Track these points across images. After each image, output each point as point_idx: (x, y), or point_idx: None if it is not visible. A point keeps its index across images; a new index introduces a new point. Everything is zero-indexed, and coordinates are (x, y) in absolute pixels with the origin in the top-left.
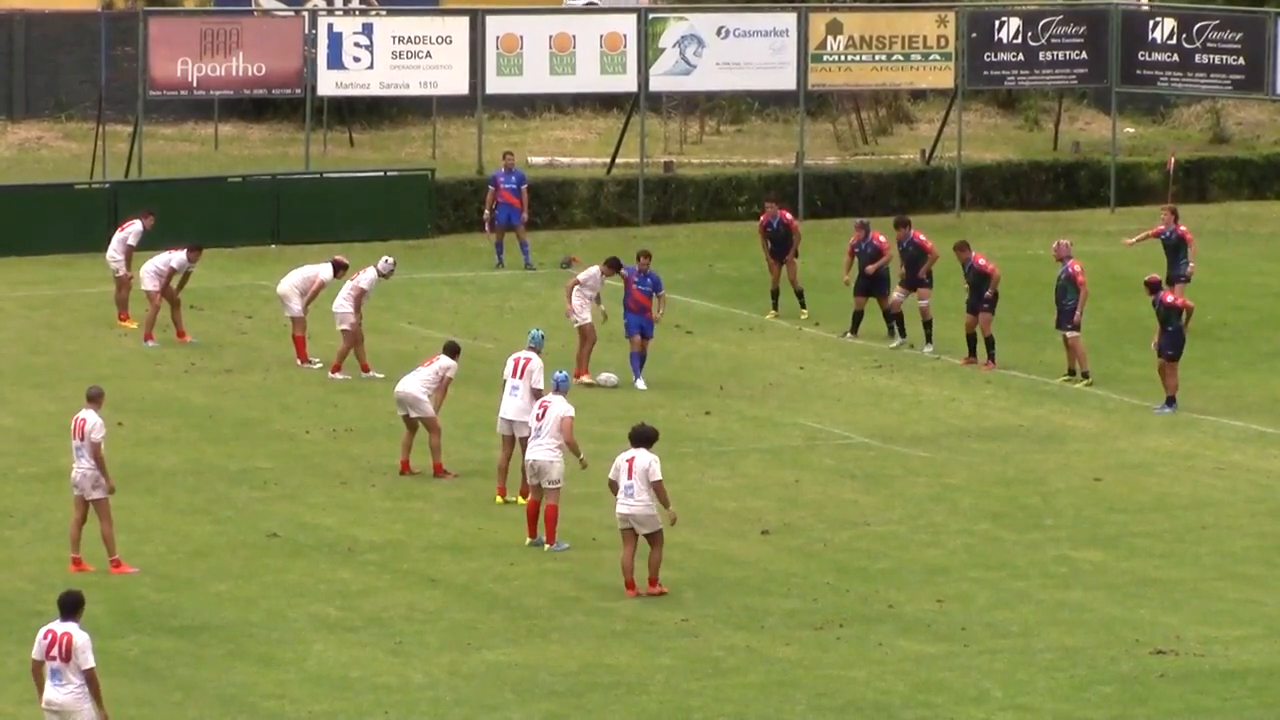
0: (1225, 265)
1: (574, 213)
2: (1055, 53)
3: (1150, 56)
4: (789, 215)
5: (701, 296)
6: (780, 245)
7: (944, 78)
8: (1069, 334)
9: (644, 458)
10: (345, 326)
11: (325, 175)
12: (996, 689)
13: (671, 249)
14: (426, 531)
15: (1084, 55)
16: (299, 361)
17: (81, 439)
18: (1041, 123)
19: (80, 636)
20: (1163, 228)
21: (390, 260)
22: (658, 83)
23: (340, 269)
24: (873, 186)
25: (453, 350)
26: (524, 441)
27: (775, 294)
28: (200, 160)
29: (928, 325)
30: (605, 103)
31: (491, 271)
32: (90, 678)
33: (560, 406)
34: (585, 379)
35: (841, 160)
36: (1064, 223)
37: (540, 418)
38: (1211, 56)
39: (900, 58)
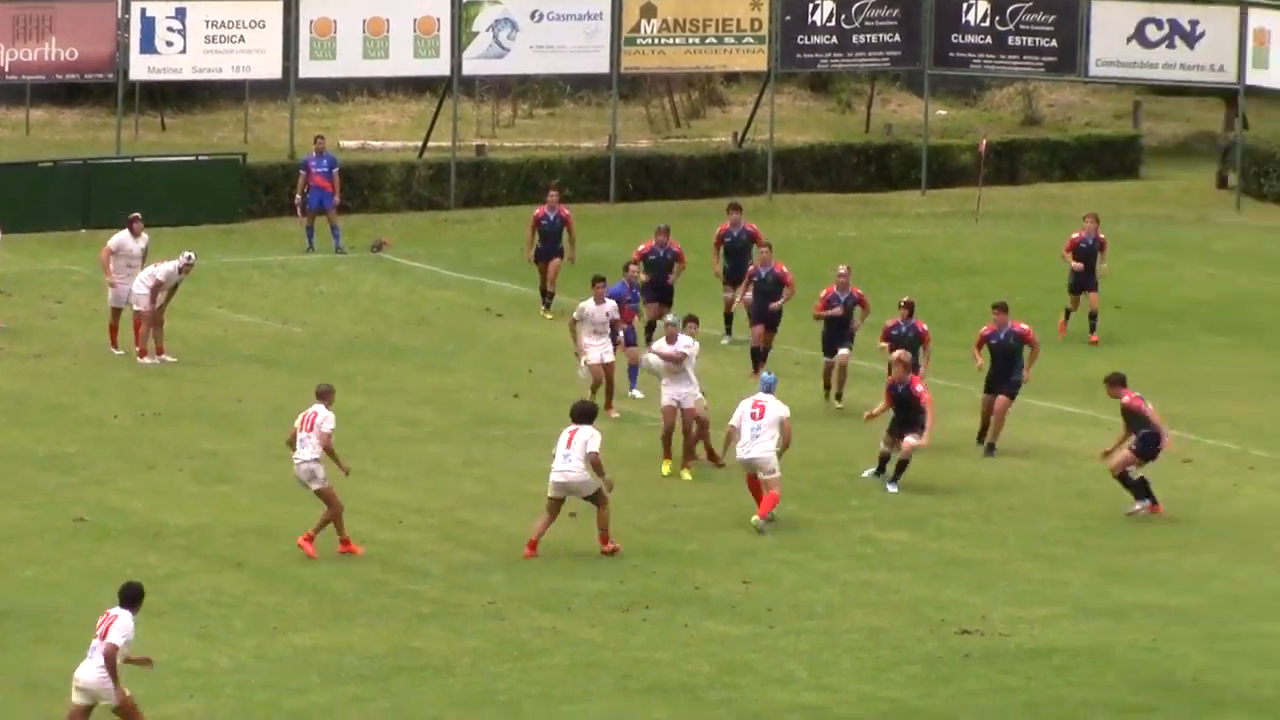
0: (1036, 247)
1: (385, 196)
2: (868, 35)
3: (963, 39)
4: (566, 210)
5: (512, 280)
6: (551, 244)
7: (757, 60)
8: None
9: (585, 432)
10: (140, 308)
11: (137, 159)
12: (802, 670)
13: (482, 232)
14: (233, 516)
15: (897, 38)
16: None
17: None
18: (854, 105)
19: (123, 620)
20: (1083, 234)
21: (190, 256)
22: (471, 66)
23: (134, 224)
24: (685, 169)
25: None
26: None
27: (544, 291)
28: (11, 145)
29: (729, 319)
30: (418, 86)
31: (302, 255)
32: (108, 655)
33: (776, 407)
34: (613, 414)
35: (654, 143)
36: (875, 205)
37: (757, 417)
38: (1024, 39)
39: (714, 40)
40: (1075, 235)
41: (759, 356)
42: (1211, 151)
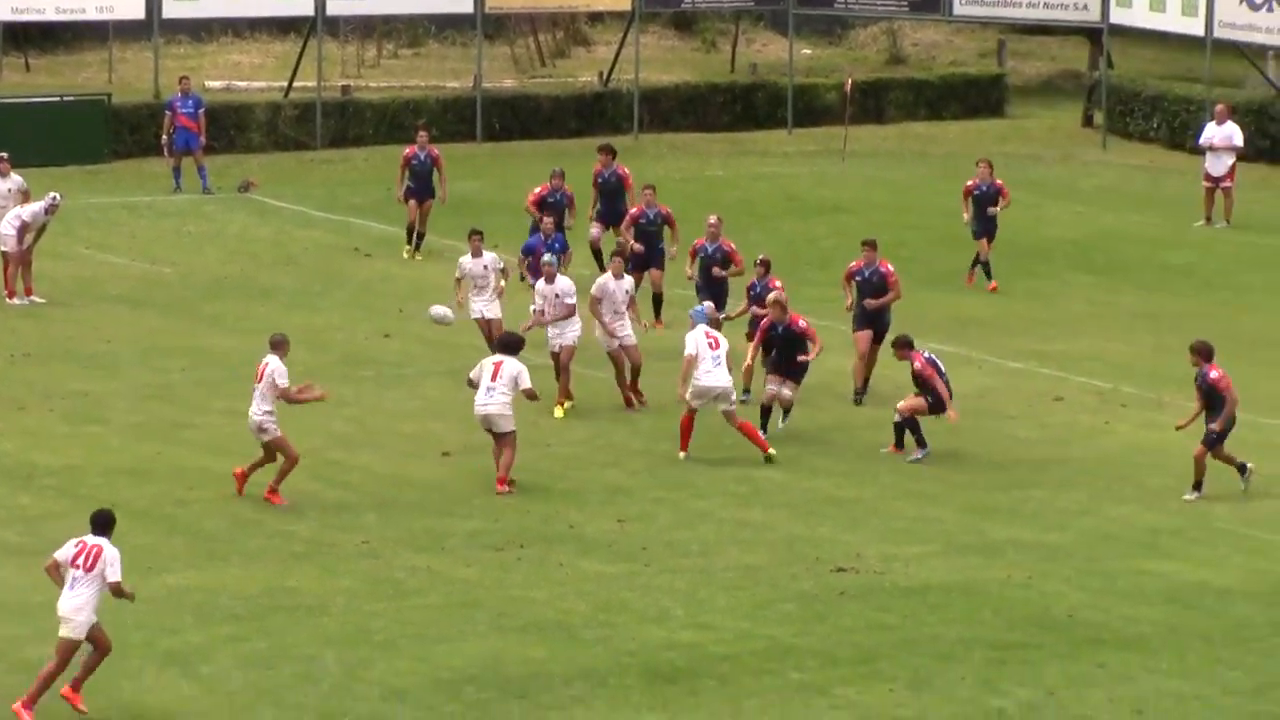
0: (902, 186)
1: (252, 137)
2: None
3: None
4: (437, 151)
5: (380, 219)
6: (423, 184)
7: (621, 0)
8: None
9: (512, 364)
10: (7, 249)
11: (1, 100)
12: (678, 607)
13: (349, 172)
14: (105, 456)
15: None
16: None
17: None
18: (719, 45)
19: (110, 550)
20: (977, 181)
21: (56, 196)
22: (335, 6)
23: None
24: (550, 109)
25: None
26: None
27: (410, 230)
28: None
29: (597, 255)
30: (283, 26)
31: (169, 196)
32: (116, 590)
33: (724, 339)
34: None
35: (519, 83)
36: (742, 144)
37: (714, 347)
38: None
39: None
40: (970, 183)
41: (659, 303)
42: (1076, 90)
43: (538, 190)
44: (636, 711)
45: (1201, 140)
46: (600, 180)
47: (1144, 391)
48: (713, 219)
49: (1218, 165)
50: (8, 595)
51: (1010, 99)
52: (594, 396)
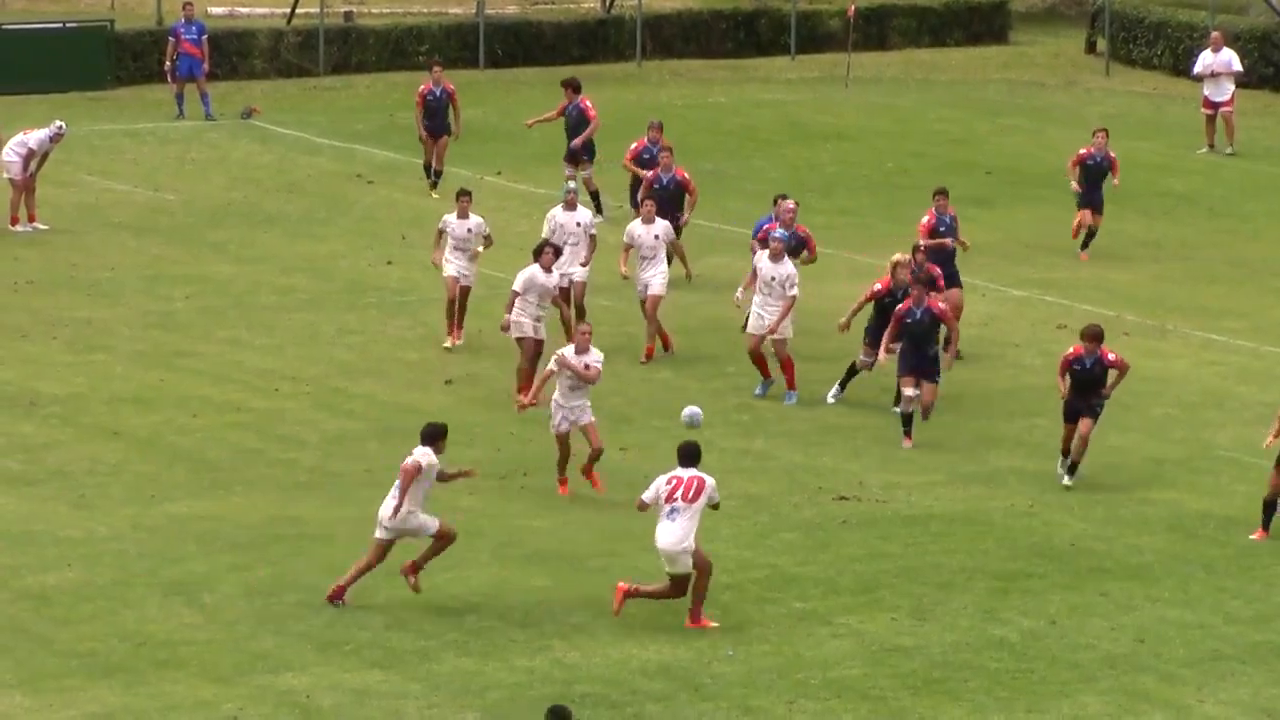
0: (905, 113)
1: (254, 63)
2: None
3: None
4: (451, 86)
5: (383, 146)
6: (438, 120)
7: None
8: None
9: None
10: (12, 176)
11: (3, 28)
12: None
13: (352, 99)
14: (109, 384)
15: None
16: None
17: None
18: None
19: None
20: (1092, 150)
21: (60, 124)
22: None
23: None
24: (553, 36)
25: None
26: None
27: (429, 168)
28: None
29: (595, 195)
30: None
31: (172, 122)
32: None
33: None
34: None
35: (522, 9)
36: (745, 71)
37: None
38: None
39: None
40: (1083, 151)
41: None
42: (1080, 17)
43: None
44: (639, 640)
45: (1197, 69)
46: (564, 115)
47: (1146, 319)
48: (790, 204)
49: (1218, 91)
50: (9, 524)
51: (1014, 25)
52: (597, 325)
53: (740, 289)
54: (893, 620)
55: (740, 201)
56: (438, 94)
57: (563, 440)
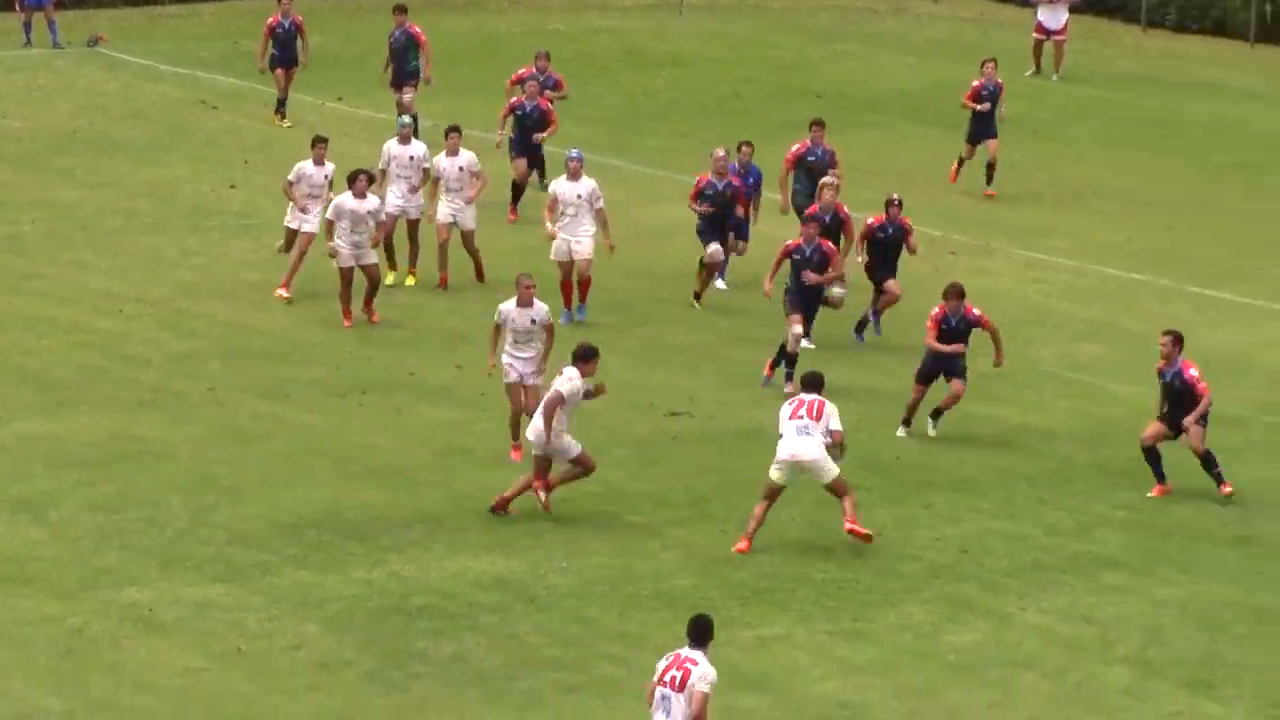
0: (739, 40)
1: None
2: None
3: None
4: (299, 17)
5: (228, 73)
6: (287, 52)
7: None
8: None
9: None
10: None
11: None
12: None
13: (197, 27)
14: None
15: None
16: None
17: None
18: None
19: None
20: (984, 81)
21: None
22: None
23: None
24: None
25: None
26: None
27: (282, 102)
28: None
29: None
30: None
31: (20, 50)
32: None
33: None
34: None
35: None
36: None
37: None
38: None
39: None
40: (975, 83)
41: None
42: None
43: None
44: (474, 553)
45: None
46: (391, 40)
47: (973, 239)
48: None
49: (1054, 19)
50: None
51: None
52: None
53: (549, 223)
54: (722, 533)
55: (578, 128)
56: (286, 25)
57: (515, 392)
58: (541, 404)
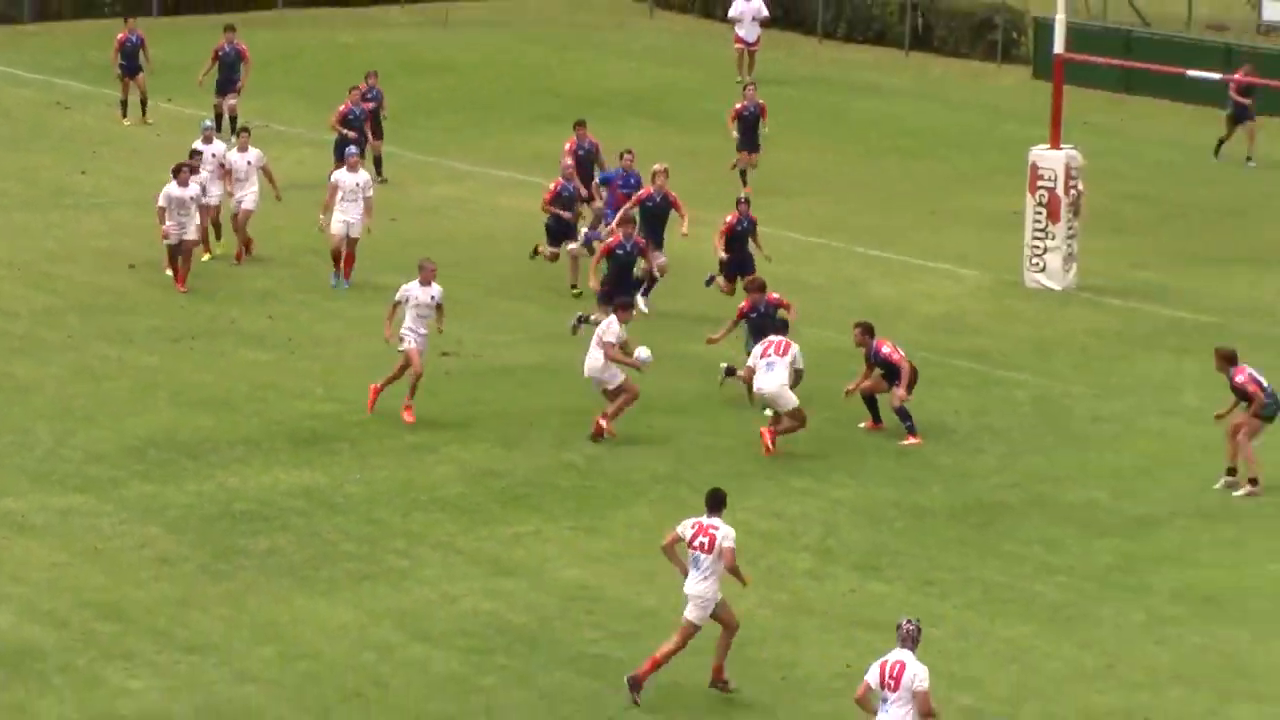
0: (493, 49)
1: None
2: None
3: None
4: (142, 33)
5: (79, 80)
6: (133, 61)
7: None
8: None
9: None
10: None
11: None
12: (318, 387)
13: (52, 42)
14: None
15: None
16: None
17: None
18: None
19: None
20: (746, 104)
21: None
22: None
23: None
24: None
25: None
26: None
27: (125, 104)
28: None
29: (234, 120)
30: None
31: None
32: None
33: None
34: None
35: None
36: (368, 16)
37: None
38: None
39: None
40: (738, 105)
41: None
42: None
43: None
44: (284, 468)
45: (732, 13)
46: (220, 53)
47: (720, 216)
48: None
49: (750, 32)
50: None
51: None
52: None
53: (321, 213)
54: (487, 449)
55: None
56: (134, 40)
57: (414, 357)
58: (604, 350)
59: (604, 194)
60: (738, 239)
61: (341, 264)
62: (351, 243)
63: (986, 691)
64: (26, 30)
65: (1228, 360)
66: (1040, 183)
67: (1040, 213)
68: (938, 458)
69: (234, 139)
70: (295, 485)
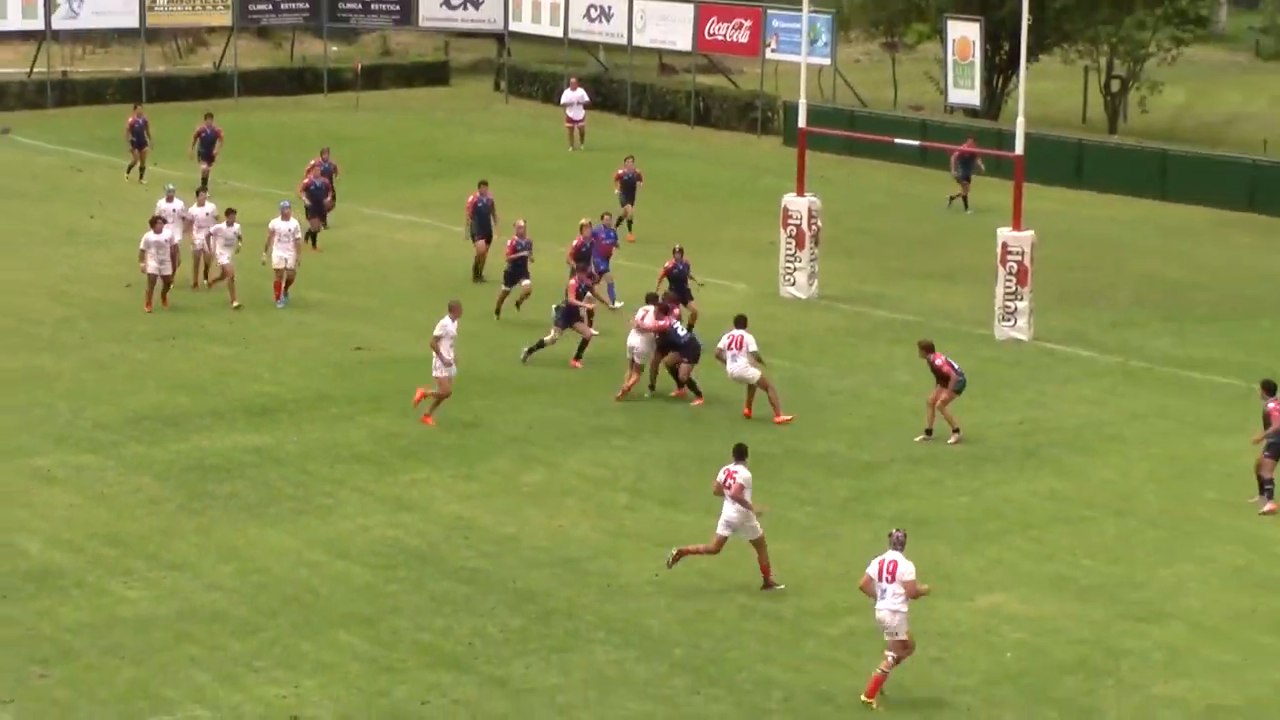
0: (392, 126)
1: (9, 100)
2: (288, 3)
3: (346, 5)
4: (147, 116)
5: (89, 149)
6: (141, 135)
7: (224, 18)
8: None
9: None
10: None
11: None
12: (266, 373)
13: (70, 122)
14: None
15: (306, 5)
16: None
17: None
18: (282, 45)
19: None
20: (625, 170)
21: None
22: (57, 24)
23: None
24: (186, 84)
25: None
26: None
27: (132, 167)
28: None
29: (205, 179)
30: (23, 37)
31: None
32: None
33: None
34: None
35: (168, 68)
36: (302, 103)
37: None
38: (377, 4)
39: (195, 6)
40: (619, 171)
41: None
42: (490, 69)
43: (311, 163)
44: (243, 432)
45: (564, 100)
46: (203, 134)
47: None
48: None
49: (577, 113)
50: None
51: (453, 75)
52: None
53: (264, 250)
54: (390, 418)
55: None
56: (140, 122)
57: (449, 383)
58: (651, 325)
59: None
60: (676, 279)
61: (282, 287)
62: (289, 273)
63: (756, 592)
64: (49, 113)
65: (927, 349)
66: (790, 221)
67: (790, 243)
68: (719, 421)
69: (198, 196)
70: (249, 445)
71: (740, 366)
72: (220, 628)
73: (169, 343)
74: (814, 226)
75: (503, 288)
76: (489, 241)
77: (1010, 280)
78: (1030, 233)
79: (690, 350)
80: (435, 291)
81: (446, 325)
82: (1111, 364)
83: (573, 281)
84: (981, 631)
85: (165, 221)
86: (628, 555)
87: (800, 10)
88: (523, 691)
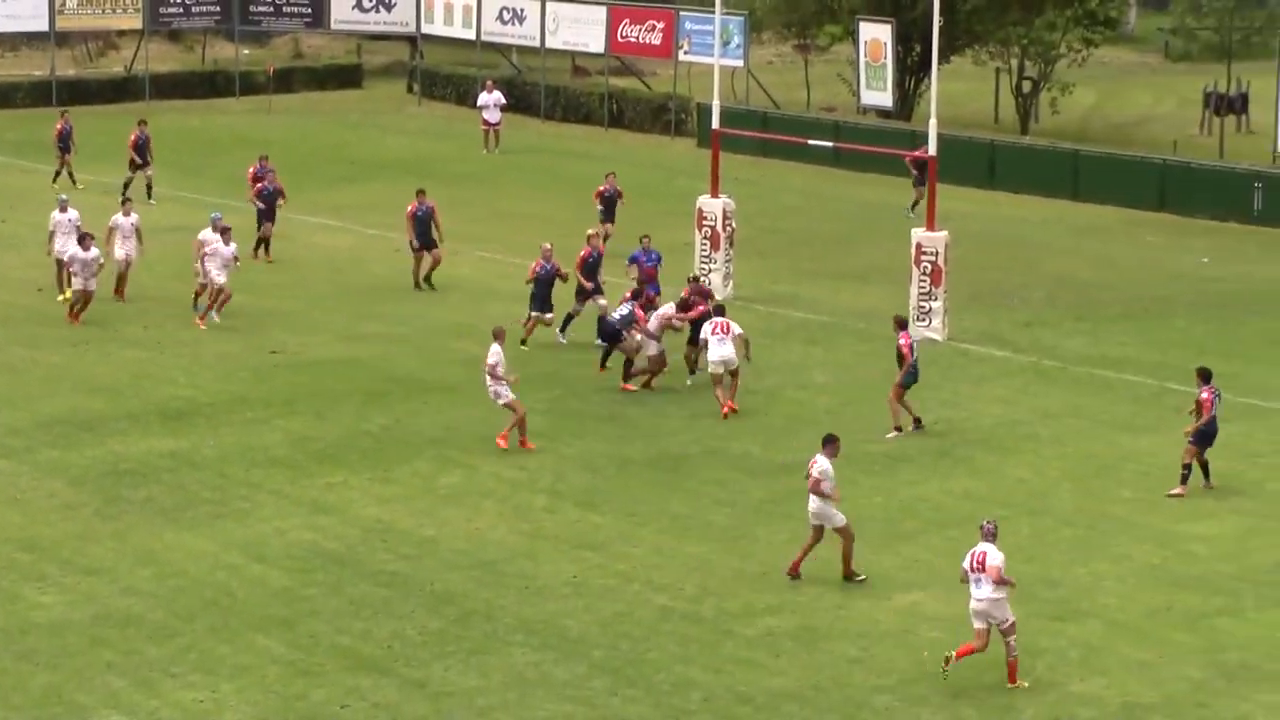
0: (305, 129)
1: None
2: (200, 6)
3: (258, 7)
4: (72, 123)
5: (16, 156)
6: (67, 141)
7: (134, 22)
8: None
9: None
10: None
11: None
12: (181, 376)
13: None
14: None
15: (217, 7)
16: None
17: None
18: (194, 48)
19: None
20: (607, 187)
21: None
22: None
23: None
24: (97, 88)
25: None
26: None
27: (58, 174)
28: None
29: (150, 187)
30: None
31: None
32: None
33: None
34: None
35: (79, 71)
36: (214, 106)
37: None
38: (294, 7)
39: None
40: (601, 187)
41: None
42: (403, 71)
43: (250, 170)
44: (159, 436)
45: (479, 102)
46: (137, 140)
47: (472, 249)
48: (546, 245)
49: (493, 115)
50: None
51: (366, 77)
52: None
53: (195, 265)
54: (306, 421)
55: (216, 185)
56: (67, 128)
57: (516, 408)
58: (655, 323)
59: (632, 270)
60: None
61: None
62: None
63: (677, 592)
64: None
65: (900, 324)
66: (704, 222)
67: (705, 244)
68: (639, 421)
69: (121, 205)
70: (165, 449)
71: (728, 350)
72: (136, 632)
73: (83, 347)
74: (728, 228)
75: (531, 314)
76: (430, 250)
77: (924, 280)
78: (944, 233)
79: (608, 332)
80: (351, 294)
81: (497, 351)
82: (1025, 363)
83: (581, 254)
84: (900, 631)
85: (91, 237)
86: (545, 557)
87: (713, 12)
88: (442, 694)
